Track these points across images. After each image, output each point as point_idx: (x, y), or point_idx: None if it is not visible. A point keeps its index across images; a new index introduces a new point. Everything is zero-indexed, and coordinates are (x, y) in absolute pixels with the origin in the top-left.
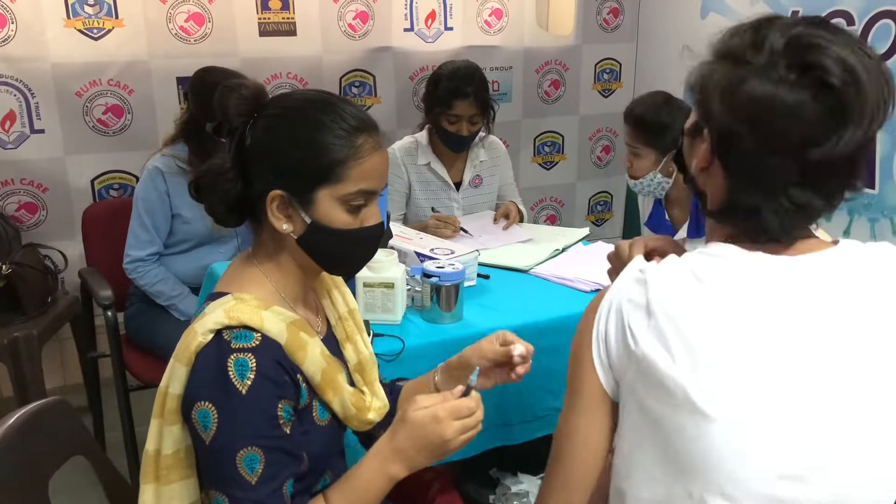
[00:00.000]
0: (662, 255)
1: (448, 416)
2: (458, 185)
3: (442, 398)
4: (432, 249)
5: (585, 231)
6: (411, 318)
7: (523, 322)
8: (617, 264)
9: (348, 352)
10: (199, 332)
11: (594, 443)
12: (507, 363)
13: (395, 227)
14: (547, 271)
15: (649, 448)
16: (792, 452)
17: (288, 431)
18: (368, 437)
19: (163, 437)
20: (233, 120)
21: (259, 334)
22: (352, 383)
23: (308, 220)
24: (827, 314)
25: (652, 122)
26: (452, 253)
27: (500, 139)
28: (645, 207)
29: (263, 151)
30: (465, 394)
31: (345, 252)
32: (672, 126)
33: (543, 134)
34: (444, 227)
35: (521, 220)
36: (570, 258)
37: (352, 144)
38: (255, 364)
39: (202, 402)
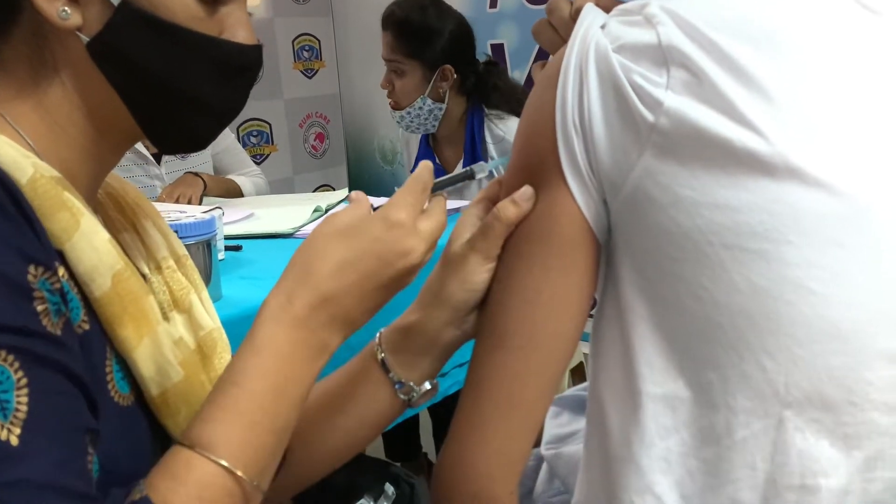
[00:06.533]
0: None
1: (412, 209)
2: (157, 157)
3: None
4: None
5: (345, 191)
6: None
7: None
8: (553, 34)
9: (178, 327)
10: None
11: (568, 323)
12: None
13: None
14: None
15: (668, 317)
16: None
17: (59, 333)
18: None
19: None
20: None
21: None
22: None
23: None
24: None
25: (419, 26)
26: (184, 213)
27: None
28: (410, 152)
29: None
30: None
31: (188, 79)
32: (441, 33)
33: (247, 122)
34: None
35: None
36: None
37: None
38: None
39: None
